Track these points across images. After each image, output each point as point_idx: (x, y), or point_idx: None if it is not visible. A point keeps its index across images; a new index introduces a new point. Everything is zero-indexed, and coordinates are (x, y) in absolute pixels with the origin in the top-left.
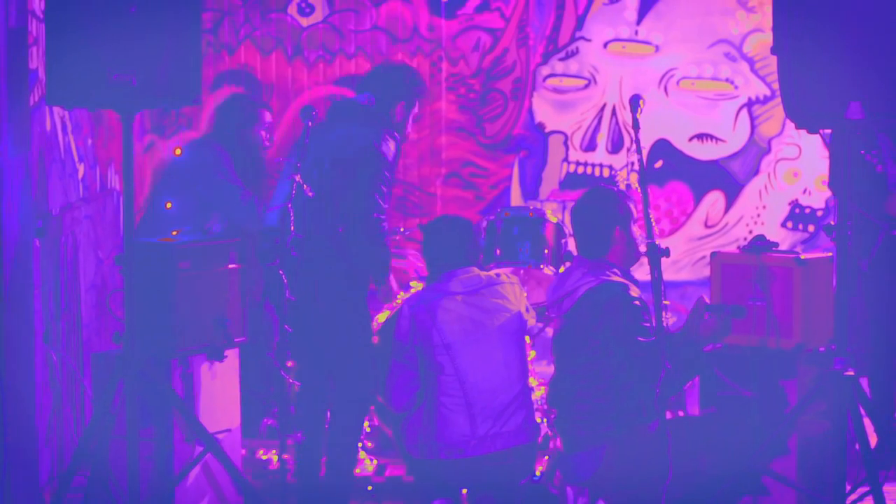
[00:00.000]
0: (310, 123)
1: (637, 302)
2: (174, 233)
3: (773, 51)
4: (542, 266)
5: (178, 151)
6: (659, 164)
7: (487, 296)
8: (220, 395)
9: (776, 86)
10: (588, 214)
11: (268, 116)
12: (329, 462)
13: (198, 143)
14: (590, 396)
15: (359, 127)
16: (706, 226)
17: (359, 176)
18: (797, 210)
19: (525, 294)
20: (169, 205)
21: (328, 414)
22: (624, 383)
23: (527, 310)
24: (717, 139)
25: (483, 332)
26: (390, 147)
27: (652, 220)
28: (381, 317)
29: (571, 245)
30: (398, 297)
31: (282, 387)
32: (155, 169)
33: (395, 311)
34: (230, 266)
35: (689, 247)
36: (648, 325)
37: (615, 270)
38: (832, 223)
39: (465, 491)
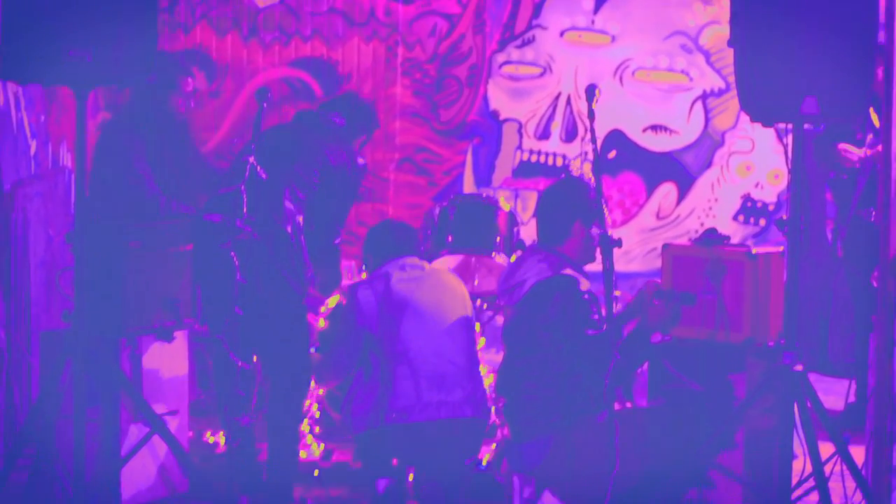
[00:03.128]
0: (265, 105)
1: (586, 295)
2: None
3: (730, 43)
4: (493, 254)
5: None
6: (612, 154)
7: (432, 278)
8: (168, 376)
9: (731, 79)
10: (552, 202)
11: (188, 83)
12: (271, 446)
13: (112, 127)
14: (538, 386)
15: (341, 142)
16: (658, 217)
17: (340, 192)
18: (749, 204)
19: (462, 284)
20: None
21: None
22: (572, 374)
23: (471, 300)
24: (670, 131)
25: (429, 305)
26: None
27: (605, 210)
28: (332, 301)
29: (524, 233)
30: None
31: (229, 370)
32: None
33: (346, 295)
34: (181, 247)
35: (641, 238)
36: (597, 317)
37: (567, 263)
38: (784, 217)
39: (411, 477)
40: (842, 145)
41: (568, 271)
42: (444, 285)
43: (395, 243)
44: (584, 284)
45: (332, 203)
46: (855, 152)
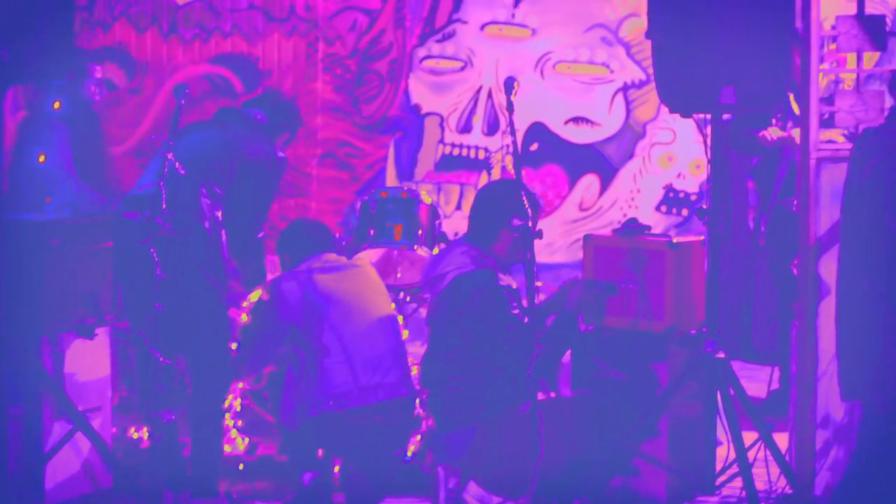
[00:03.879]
0: (182, 101)
1: (505, 291)
2: (47, 199)
3: (648, 35)
4: (415, 247)
5: (57, 105)
6: (534, 146)
7: (352, 271)
8: (90, 373)
9: (651, 70)
10: (484, 204)
11: (97, 70)
12: (194, 441)
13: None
14: (461, 378)
15: (260, 136)
16: (581, 209)
17: (260, 185)
18: (671, 194)
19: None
20: (42, 157)
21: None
22: (495, 365)
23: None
24: (592, 123)
25: (353, 295)
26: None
27: (525, 202)
28: (254, 296)
29: (446, 226)
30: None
31: (151, 366)
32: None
33: (269, 289)
34: (102, 244)
35: (564, 229)
36: (517, 311)
37: (490, 259)
38: (704, 207)
39: (336, 468)
40: (766, 132)
41: (488, 267)
42: (364, 277)
43: (312, 241)
44: (504, 280)
45: (252, 197)
46: (770, 134)
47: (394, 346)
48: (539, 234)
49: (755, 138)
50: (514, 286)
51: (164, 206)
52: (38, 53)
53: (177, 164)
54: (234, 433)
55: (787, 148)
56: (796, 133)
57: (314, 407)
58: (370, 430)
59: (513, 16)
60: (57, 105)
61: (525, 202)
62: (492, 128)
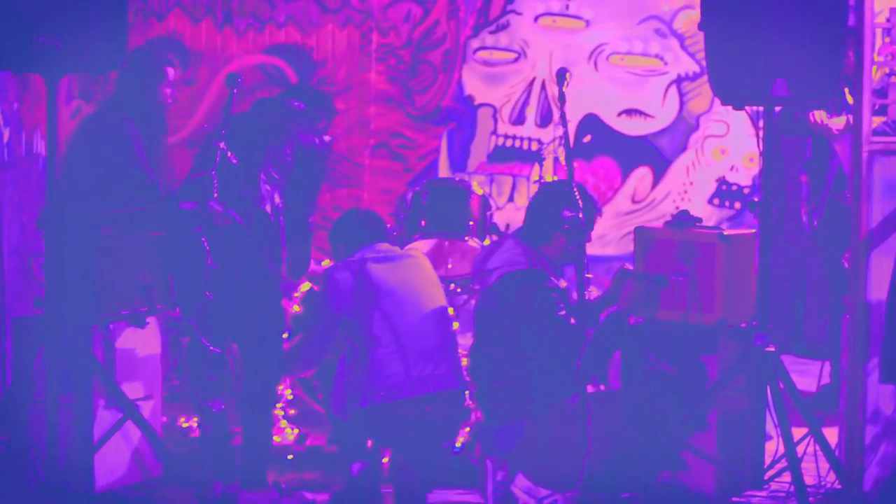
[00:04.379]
0: (235, 91)
1: (553, 293)
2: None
3: (701, 27)
4: (466, 238)
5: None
6: (587, 138)
7: (406, 261)
8: (141, 361)
9: (705, 62)
10: (541, 203)
11: (172, 73)
12: (244, 430)
13: (107, 113)
14: (508, 372)
15: (304, 121)
16: (633, 201)
17: (310, 169)
18: (724, 187)
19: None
20: None
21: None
22: (542, 360)
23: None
24: (645, 115)
25: (406, 285)
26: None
27: (577, 194)
28: (304, 286)
29: (497, 217)
30: (324, 263)
31: (202, 355)
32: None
33: (322, 279)
34: (153, 233)
35: (616, 222)
36: (564, 313)
37: (541, 258)
38: (756, 200)
39: (385, 459)
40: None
41: (538, 266)
42: (418, 267)
43: (366, 230)
44: (553, 281)
45: (305, 181)
46: (818, 117)
47: (445, 337)
48: (590, 227)
49: (804, 120)
50: (563, 285)
51: (215, 194)
52: (92, 43)
53: (229, 153)
54: (283, 423)
55: (841, 141)
56: (837, 121)
57: (365, 398)
58: (420, 421)
59: (567, 7)
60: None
61: (577, 194)
62: (545, 119)
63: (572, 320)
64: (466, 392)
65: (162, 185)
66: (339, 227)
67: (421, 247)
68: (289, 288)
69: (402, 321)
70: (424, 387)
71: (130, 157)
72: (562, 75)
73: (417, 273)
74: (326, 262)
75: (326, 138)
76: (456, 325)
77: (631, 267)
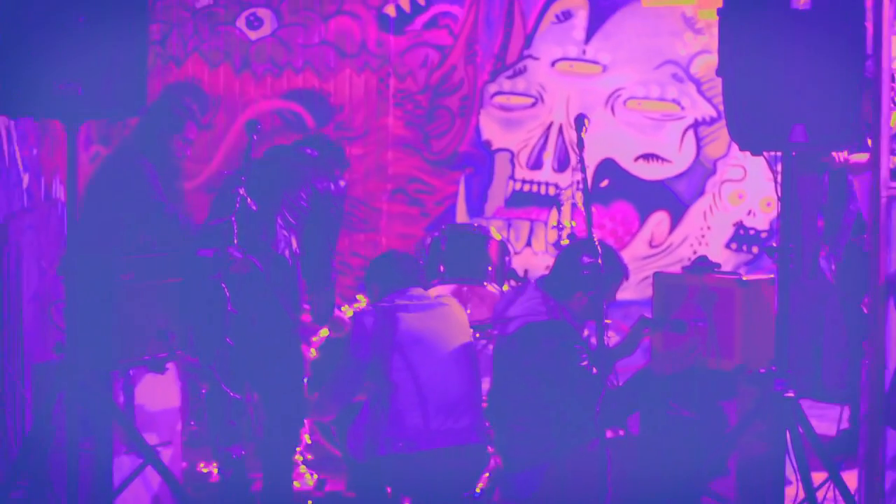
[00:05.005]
0: (255, 137)
1: (576, 344)
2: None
3: (718, 73)
4: (485, 283)
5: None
6: (605, 183)
7: (436, 308)
8: (160, 407)
9: (723, 107)
10: (567, 261)
11: (192, 130)
12: (265, 476)
13: (123, 154)
14: (528, 418)
15: (318, 167)
16: (651, 245)
17: (327, 213)
18: (741, 231)
19: (465, 314)
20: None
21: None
22: (562, 407)
23: (482, 336)
24: (662, 159)
25: (435, 335)
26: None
27: (595, 239)
28: (324, 332)
29: (516, 263)
30: (343, 310)
31: (222, 400)
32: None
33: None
34: (172, 278)
35: (634, 266)
36: (585, 363)
37: (565, 311)
38: (775, 245)
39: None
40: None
41: (559, 316)
42: (448, 316)
43: (401, 273)
44: (573, 331)
45: (321, 226)
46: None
47: (469, 391)
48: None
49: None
50: (585, 333)
51: (235, 240)
52: (111, 89)
53: (248, 199)
54: (303, 468)
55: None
56: (860, 156)
57: (384, 445)
58: (439, 473)
59: (584, 52)
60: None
61: (596, 241)
62: (562, 164)
63: (594, 370)
64: (485, 445)
65: (182, 216)
66: (374, 267)
67: (439, 292)
68: (308, 333)
69: (426, 372)
70: (444, 440)
71: (148, 192)
72: (580, 121)
73: (447, 322)
74: (346, 308)
75: (342, 183)
76: None
77: (649, 314)
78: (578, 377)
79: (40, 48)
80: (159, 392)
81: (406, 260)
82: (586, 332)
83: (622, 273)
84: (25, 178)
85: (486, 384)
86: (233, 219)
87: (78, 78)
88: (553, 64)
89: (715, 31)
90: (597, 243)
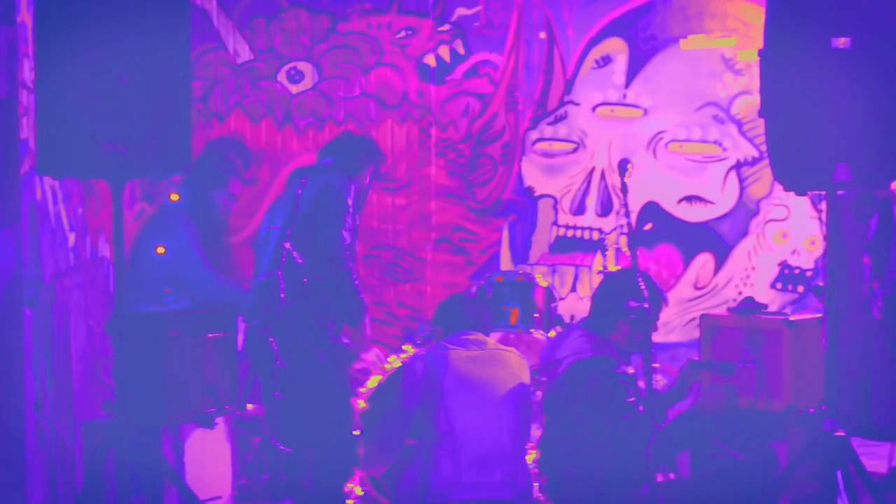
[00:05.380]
0: (299, 191)
1: (622, 379)
2: (166, 290)
3: (761, 114)
4: (532, 330)
5: (174, 196)
6: (648, 226)
7: (490, 355)
8: (210, 462)
9: (764, 147)
10: (605, 292)
11: (236, 185)
12: None
13: (166, 213)
14: (580, 461)
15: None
16: (696, 287)
17: (322, 218)
18: (786, 271)
19: (527, 367)
20: (161, 249)
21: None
22: (613, 448)
23: (530, 383)
24: (706, 201)
25: (482, 386)
26: (351, 190)
27: (642, 285)
28: (372, 382)
29: (562, 308)
30: (390, 360)
31: (272, 454)
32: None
33: (393, 373)
34: (220, 333)
35: (679, 308)
36: (633, 399)
37: (608, 345)
38: (821, 284)
39: None
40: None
41: (606, 353)
42: (500, 362)
43: (463, 317)
44: (622, 367)
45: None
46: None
47: (507, 445)
48: (655, 317)
49: (872, 198)
50: (631, 372)
51: (282, 295)
52: (155, 147)
53: (294, 252)
54: None
55: None
56: None
57: (420, 495)
58: None
59: (624, 96)
60: (175, 197)
61: (642, 285)
62: (605, 209)
63: (640, 407)
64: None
65: (220, 276)
66: (440, 310)
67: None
68: (356, 384)
69: (466, 420)
70: (475, 492)
71: (187, 251)
72: (623, 166)
73: (499, 371)
74: (393, 358)
75: (349, 201)
76: None
77: (696, 357)
78: (626, 412)
79: (84, 109)
80: (209, 447)
81: (471, 304)
82: (631, 370)
83: (662, 300)
84: (71, 238)
85: (534, 431)
86: (279, 273)
87: (122, 137)
88: (594, 109)
89: (755, 71)
90: (641, 285)
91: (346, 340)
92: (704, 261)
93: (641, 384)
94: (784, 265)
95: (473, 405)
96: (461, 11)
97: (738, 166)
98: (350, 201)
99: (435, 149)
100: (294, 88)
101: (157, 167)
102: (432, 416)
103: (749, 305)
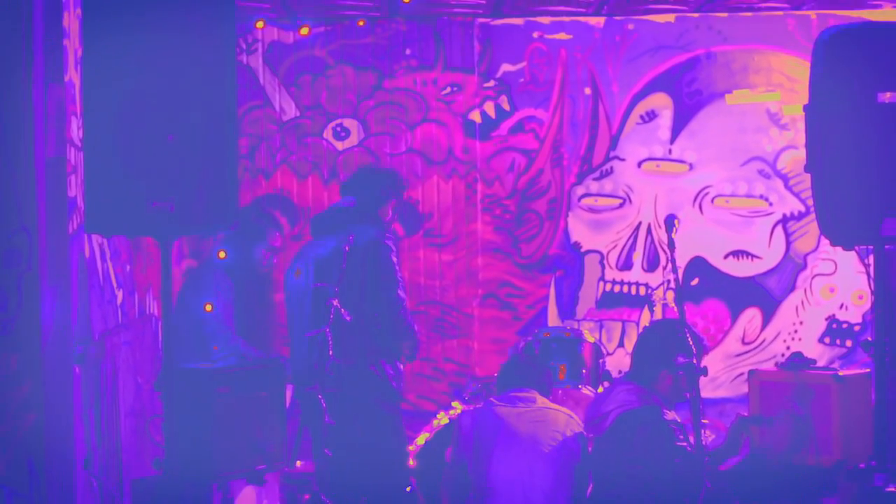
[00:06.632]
0: (346, 248)
1: (671, 424)
2: (214, 347)
3: (807, 168)
4: (580, 386)
5: (222, 254)
6: (695, 281)
7: (536, 413)
8: None
9: (811, 202)
10: (646, 344)
11: (276, 238)
12: None
13: (203, 270)
14: None
15: (356, 225)
16: (743, 342)
17: (373, 268)
18: (834, 325)
19: (578, 425)
20: (209, 307)
21: None
22: (665, 499)
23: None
24: (752, 256)
25: (522, 442)
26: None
27: (689, 339)
28: (421, 439)
29: (609, 364)
30: (438, 417)
31: None
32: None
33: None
34: (269, 390)
35: (727, 364)
36: (683, 444)
37: (654, 395)
38: (869, 339)
39: None
40: None
41: (653, 403)
42: (545, 420)
43: (517, 376)
44: (669, 414)
45: (372, 283)
46: None
47: (539, 502)
48: (704, 371)
49: None
50: (679, 420)
51: (330, 353)
52: (203, 205)
53: (343, 310)
54: None
55: None
56: None
57: None
58: None
59: (669, 151)
60: (222, 255)
61: (689, 340)
62: (652, 263)
63: (691, 450)
64: None
65: (234, 336)
66: (502, 370)
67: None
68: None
69: (497, 476)
70: None
71: (215, 308)
72: (670, 222)
73: (543, 426)
74: (441, 415)
75: (388, 242)
76: None
77: (744, 412)
78: (676, 457)
79: (132, 167)
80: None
81: (525, 364)
82: (678, 417)
83: (704, 348)
84: (119, 295)
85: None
86: (327, 330)
87: (170, 195)
88: (640, 164)
89: (800, 125)
90: (689, 340)
91: (393, 384)
92: (752, 315)
93: (691, 439)
94: (832, 319)
95: (510, 461)
96: (506, 68)
97: (784, 221)
98: (395, 259)
99: (481, 205)
100: (340, 145)
101: (205, 224)
102: (475, 472)
103: (798, 361)
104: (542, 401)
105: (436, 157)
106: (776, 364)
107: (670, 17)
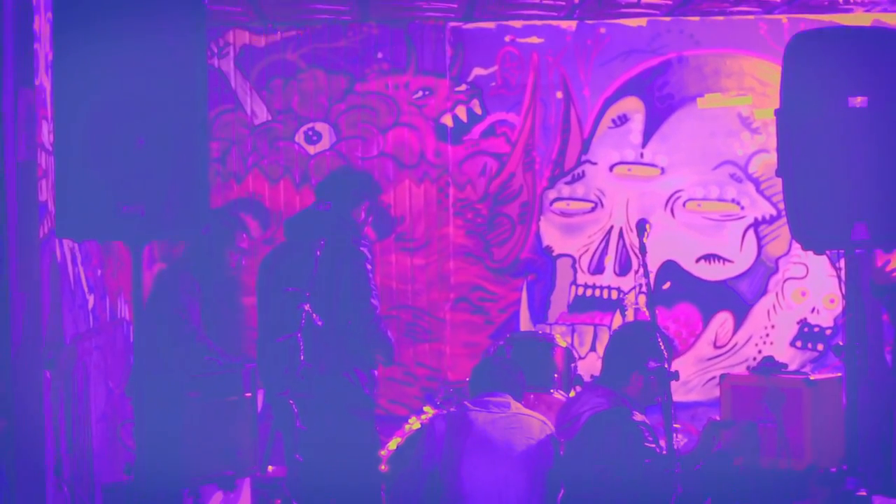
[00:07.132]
0: (318, 253)
1: (640, 425)
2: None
3: (778, 173)
4: (552, 391)
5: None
6: (667, 285)
7: (509, 418)
8: None
9: (782, 205)
10: (616, 346)
11: (244, 240)
12: None
13: (170, 271)
14: None
15: (330, 229)
16: (715, 346)
17: (346, 276)
18: (806, 329)
19: (551, 432)
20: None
21: None
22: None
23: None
24: (724, 260)
25: (497, 448)
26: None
27: (661, 343)
28: (392, 444)
29: (581, 369)
30: (410, 422)
31: None
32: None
33: (413, 434)
34: (240, 395)
35: (699, 367)
36: (654, 446)
37: (624, 399)
38: (841, 343)
39: None
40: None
41: (622, 405)
42: (520, 426)
43: (489, 379)
44: (638, 415)
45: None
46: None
47: None
48: (675, 376)
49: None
50: (648, 422)
51: (302, 357)
52: (174, 209)
53: (314, 315)
54: None
55: None
56: None
57: None
58: None
59: (641, 155)
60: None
61: (661, 344)
62: (624, 267)
63: (663, 452)
64: None
65: (200, 335)
66: (473, 372)
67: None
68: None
69: (471, 483)
70: None
71: (175, 306)
72: (642, 227)
73: (515, 435)
74: (413, 420)
75: (362, 249)
76: None
77: (717, 417)
78: (646, 457)
79: (102, 171)
80: None
81: (498, 367)
82: (646, 420)
83: (674, 350)
84: (91, 299)
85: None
86: (299, 336)
87: (140, 200)
88: (611, 168)
89: (772, 129)
90: (661, 345)
91: (366, 390)
92: (724, 319)
93: (662, 443)
94: (803, 323)
95: (484, 467)
96: (478, 71)
97: (756, 224)
98: (370, 266)
99: (453, 209)
100: (312, 149)
101: (176, 229)
102: (446, 478)
103: (769, 364)
104: (515, 406)
105: (408, 161)
106: (748, 368)
107: (642, 21)
